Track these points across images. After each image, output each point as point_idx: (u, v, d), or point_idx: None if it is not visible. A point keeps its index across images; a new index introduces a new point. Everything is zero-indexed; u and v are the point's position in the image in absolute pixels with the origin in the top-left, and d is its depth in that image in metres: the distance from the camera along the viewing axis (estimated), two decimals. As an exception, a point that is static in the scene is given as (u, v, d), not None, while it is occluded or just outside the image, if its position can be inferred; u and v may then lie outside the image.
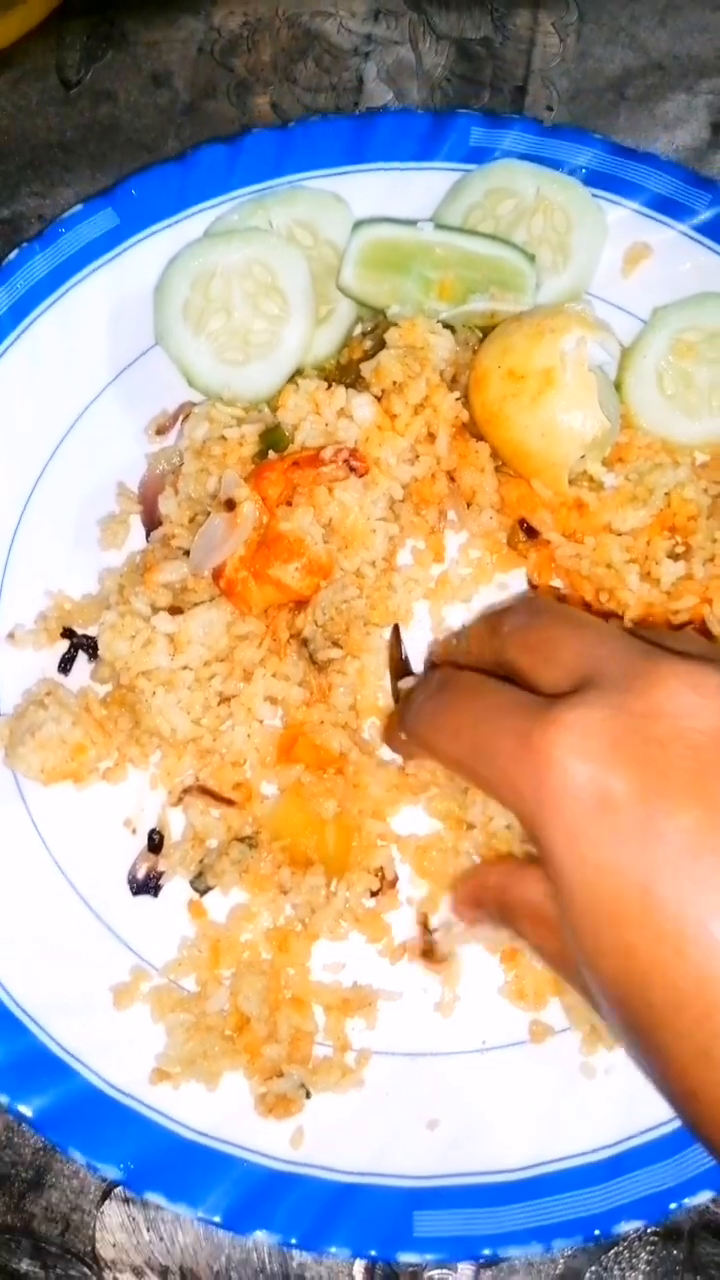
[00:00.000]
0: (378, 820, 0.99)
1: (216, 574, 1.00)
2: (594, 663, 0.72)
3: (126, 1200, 0.97)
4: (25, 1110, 0.92)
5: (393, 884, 1.00)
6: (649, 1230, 0.95)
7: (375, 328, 1.11)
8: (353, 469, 0.98)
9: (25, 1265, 0.94)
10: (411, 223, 1.10)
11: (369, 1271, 0.94)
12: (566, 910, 0.67)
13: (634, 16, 1.21)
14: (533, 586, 1.07)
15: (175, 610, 1.00)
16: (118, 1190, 0.96)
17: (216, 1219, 0.90)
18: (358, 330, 1.13)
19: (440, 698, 0.81)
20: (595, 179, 1.13)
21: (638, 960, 0.63)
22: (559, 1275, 0.94)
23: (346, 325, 1.12)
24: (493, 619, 0.87)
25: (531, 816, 0.68)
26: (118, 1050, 0.95)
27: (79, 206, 1.11)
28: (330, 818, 0.98)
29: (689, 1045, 0.61)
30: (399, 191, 1.14)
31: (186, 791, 1.00)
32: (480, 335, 1.09)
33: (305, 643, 1.02)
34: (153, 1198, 0.90)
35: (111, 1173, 0.91)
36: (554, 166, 1.13)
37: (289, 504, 0.99)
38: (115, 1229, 0.96)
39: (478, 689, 0.78)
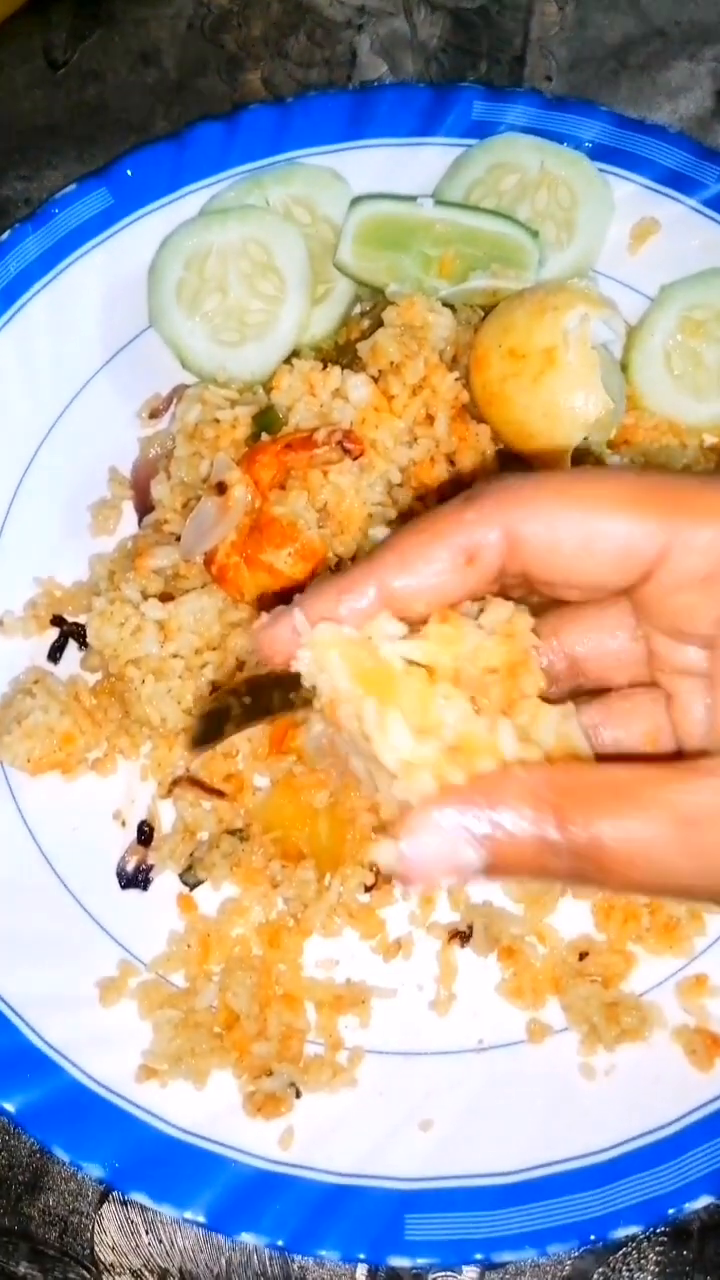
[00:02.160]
0: (372, 814, 0.96)
1: (208, 559, 0.98)
2: None
3: (125, 1203, 0.95)
4: (8, 1107, 0.90)
5: (388, 879, 0.97)
6: (658, 1230, 0.92)
7: (374, 306, 1.09)
8: (347, 451, 0.95)
9: (23, 1268, 0.93)
10: (411, 199, 1.07)
11: (371, 1274, 0.92)
12: None
13: None
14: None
15: (167, 597, 0.98)
16: (116, 1193, 0.95)
17: (202, 1220, 0.88)
18: (356, 309, 1.10)
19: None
20: (601, 153, 1.10)
21: None
22: (566, 1277, 0.92)
23: (344, 304, 1.09)
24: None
25: None
26: (104, 1047, 0.93)
27: (73, 186, 1.09)
28: (323, 809, 0.95)
29: None
30: (399, 168, 1.11)
31: (176, 783, 0.98)
32: (482, 314, 1.06)
33: (298, 630, 0.99)
34: (137, 1197, 0.89)
35: (95, 1171, 0.89)
36: (558, 140, 1.10)
37: (282, 487, 0.97)
38: (114, 1231, 0.95)
39: None
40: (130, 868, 0.98)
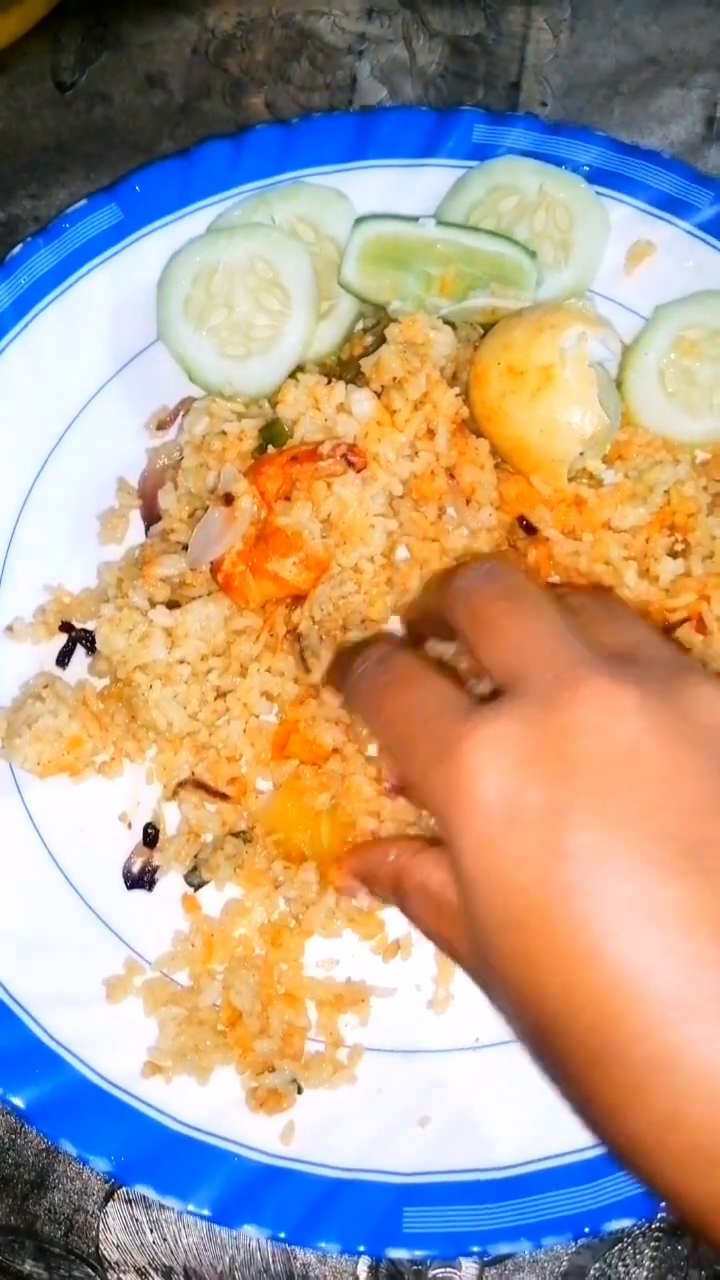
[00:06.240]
0: (371, 817, 0.98)
1: (214, 568, 1.00)
2: (526, 661, 0.72)
3: (130, 1201, 0.97)
4: (17, 1101, 0.92)
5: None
6: (653, 1226, 0.94)
7: (376, 323, 1.11)
8: (351, 464, 0.98)
9: (29, 1267, 0.95)
10: (413, 219, 1.10)
11: (373, 1271, 0.94)
12: (470, 912, 0.68)
13: (627, 12, 1.21)
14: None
15: (173, 605, 1.01)
16: (121, 1191, 0.97)
17: (206, 1212, 0.90)
18: (359, 326, 1.13)
19: (377, 677, 0.82)
20: (598, 176, 1.13)
21: (536, 967, 0.64)
22: (563, 1272, 0.94)
23: (348, 321, 1.12)
24: (449, 574, 0.93)
25: (445, 822, 0.69)
26: (110, 1043, 0.95)
27: (83, 201, 1.12)
28: (324, 812, 0.98)
29: (580, 1053, 0.62)
30: (402, 188, 1.14)
31: (182, 785, 1.00)
32: (481, 332, 1.08)
33: (300, 638, 1.02)
34: (142, 1190, 0.91)
35: (102, 1165, 0.91)
36: (557, 164, 1.12)
37: (287, 499, 0.99)
38: (118, 1230, 0.97)
39: (411, 678, 0.79)
40: (136, 869, 1.01)
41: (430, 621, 0.91)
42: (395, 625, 1.05)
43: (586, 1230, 0.89)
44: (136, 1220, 0.96)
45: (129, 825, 1.02)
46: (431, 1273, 0.94)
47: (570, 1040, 0.63)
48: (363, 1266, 0.94)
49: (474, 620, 0.79)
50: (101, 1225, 0.96)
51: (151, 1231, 0.96)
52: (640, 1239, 0.95)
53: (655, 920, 0.60)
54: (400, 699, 0.78)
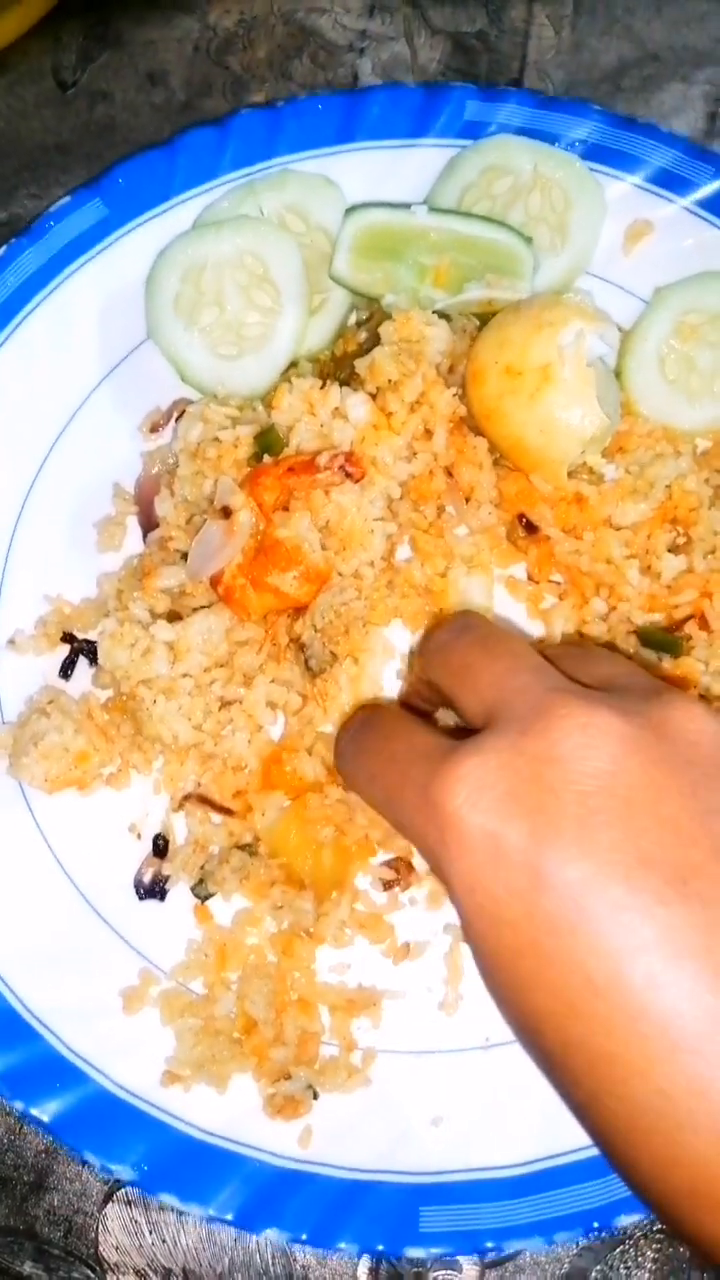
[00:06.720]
0: (363, 857, 1.00)
1: (214, 580, 0.99)
2: (503, 697, 0.72)
3: (129, 1202, 0.99)
4: (40, 1115, 0.94)
5: (394, 883, 1.00)
6: (655, 1228, 0.97)
7: (370, 317, 1.09)
8: (348, 475, 0.97)
9: (28, 1268, 0.98)
10: (405, 206, 1.07)
11: (373, 1273, 0.97)
12: (473, 950, 0.69)
13: (629, 7, 1.18)
14: (532, 580, 1.06)
15: (174, 615, 1.00)
16: (120, 1193, 0.99)
17: (228, 1217, 0.93)
18: (352, 319, 1.11)
19: (358, 740, 0.83)
20: (594, 153, 1.10)
21: (531, 1007, 0.64)
22: (565, 1275, 0.97)
23: (341, 314, 1.10)
24: (423, 637, 0.94)
25: (436, 866, 0.69)
26: (128, 1054, 0.97)
27: (67, 198, 1.09)
28: (327, 842, 0.98)
29: (582, 1091, 0.63)
30: (392, 171, 1.11)
31: (186, 799, 1.01)
32: (477, 323, 1.06)
33: (303, 648, 1.01)
34: (166, 1198, 0.93)
35: (125, 1174, 0.93)
36: (551, 141, 1.09)
37: (285, 509, 0.98)
38: (118, 1231, 0.99)
39: (390, 731, 0.79)
40: (147, 879, 1.02)
41: (422, 693, 0.93)
42: (397, 631, 1.04)
43: (597, 1225, 0.92)
44: (135, 1222, 0.99)
45: (138, 836, 1.03)
46: (432, 1275, 0.97)
47: (570, 1076, 0.64)
48: (363, 1269, 0.97)
49: (451, 670, 0.79)
50: (100, 1226, 0.99)
51: (150, 1233, 0.98)
52: (642, 1241, 0.97)
53: (644, 952, 0.60)
54: (382, 751, 0.78)
